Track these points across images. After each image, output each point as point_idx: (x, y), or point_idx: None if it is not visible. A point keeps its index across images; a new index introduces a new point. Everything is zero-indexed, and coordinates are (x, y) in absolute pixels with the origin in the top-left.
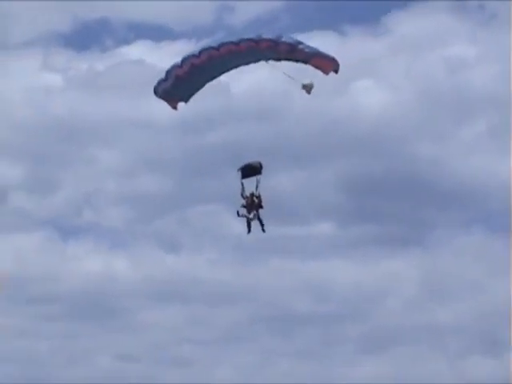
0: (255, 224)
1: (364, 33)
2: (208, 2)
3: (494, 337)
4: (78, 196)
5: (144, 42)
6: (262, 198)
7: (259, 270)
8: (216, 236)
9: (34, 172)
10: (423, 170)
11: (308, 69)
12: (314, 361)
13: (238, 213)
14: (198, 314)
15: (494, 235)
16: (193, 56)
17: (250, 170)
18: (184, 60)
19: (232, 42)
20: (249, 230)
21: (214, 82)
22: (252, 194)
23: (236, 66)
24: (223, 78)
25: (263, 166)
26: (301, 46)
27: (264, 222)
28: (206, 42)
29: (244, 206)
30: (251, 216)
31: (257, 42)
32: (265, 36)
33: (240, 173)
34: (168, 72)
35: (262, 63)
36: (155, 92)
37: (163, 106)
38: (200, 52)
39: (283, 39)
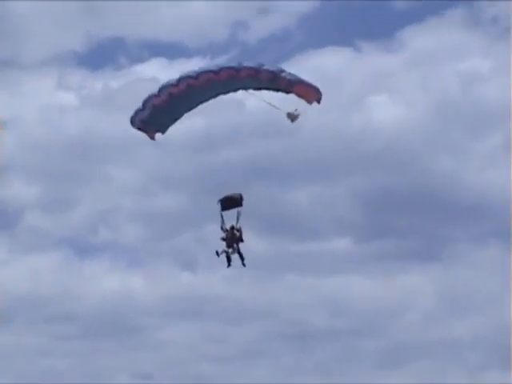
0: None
1: (378, 48)
2: (222, 19)
3: None
4: (94, 214)
5: (158, 59)
6: (242, 231)
7: (276, 287)
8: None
9: (49, 191)
10: (439, 185)
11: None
12: (331, 376)
13: (216, 253)
14: (215, 331)
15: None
16: (171, 85)
17: (231, 202)
18: (161, 89)
19: (211, 71)
20: (228, 264)
21: (229, 98)
22: (232, 228)
23: (215, 96)
24: (238, 95)
25: (243, 197)
26: (283, 74)
27: (244, 256)
28: (220, 59)
29: (224, 239)
30: (230, 250)
31: (237, 70)
32: (246, 64)
33: (219, 205)
34: (145, 101)
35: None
36: (132, 122)
37: (179, 123)
38: (178, 81)
39: (265, 67)
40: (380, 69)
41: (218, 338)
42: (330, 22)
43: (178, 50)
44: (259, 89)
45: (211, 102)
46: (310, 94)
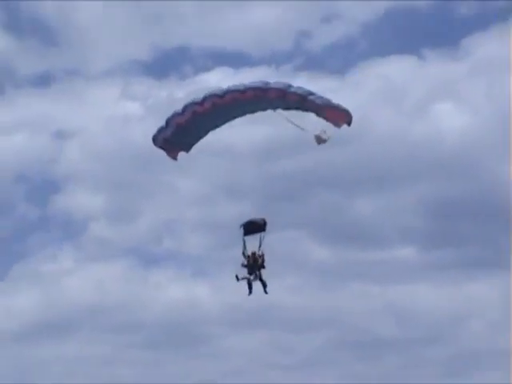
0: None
1: (443, 56)
2: (286, 27)
3: None
4: (159, 224)
5: (223, 68)
6: (264, 257)
7: (340, 295)
8: (297, 262)
9: (114, 201)
10: (504, 193)
11: None
12: None
13: (236, 277)
14: (281, 339)
15: None
16: (195, 103)
17: (254, 227)
18: (186, 107)
19: (238, 90)
20: (250, 292)
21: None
22: (254, 253)
23: (241, 115)
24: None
25: (267, 222)
26: (311, 97)
27: (267, 283)
28: (285, 68)
29: (245, 266)
30: (252, 277)
31: (264, 90)
32: (273, 85)
33: (242, 229)
34: (168, 120)
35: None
36: (154, 141)
37: (241, 132)
38: (203, 99)
39: (292, 89)
40: (445, 77)
41: (282, 346)
42: (394, 30)
43: (243, 59)
44: (287, 109)
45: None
46: (339, 117)
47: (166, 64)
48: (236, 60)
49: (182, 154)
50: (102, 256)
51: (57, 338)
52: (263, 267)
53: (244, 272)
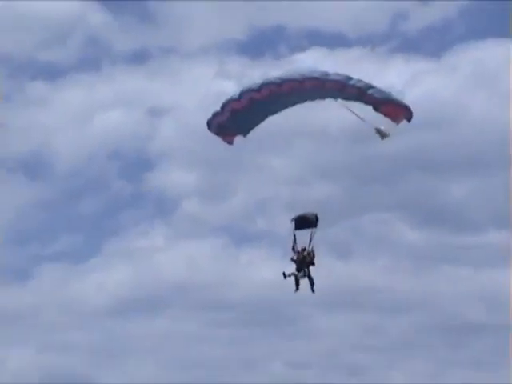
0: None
1: None
2: (383, 8)
3: None
4: (251, 203)
5: (318, 49)
6: (314, 253)
7: (432, 278)
8: (388, 244)
9: (207, 179)
10: None
11: None
12: (487, 371)
13: (283, 274)
14: (371, 321)
15: None
16: (252, 90)
17: (305, 222)
18: (242, 93)
19: (296, 79)
20: (297, 288)
21: (387, 88)
22: (303, 250)
23: (300, 103)
24: (397, 86)
25: (319, 218)
26: (370, 91)
27: (314, 281)
28: (381, 50)
29: (294, 261)
30: (301, 274)
31: (323, 81)
32: (332, 76)
33: (293, 223)
34: (224, 105)
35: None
36: (208, 125)
37: (335, 114)
38: (260, 86)
39: (351, 82)
40: None
41: (373, 328)
42: (491, 13)
43: (338, 39)
44: (347, 99)
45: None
46: (398, 113)
47: (262, 43)
48: (331, 40)
49: (274, 133)
50: (193, 234)
51: (147, 314)
52: (313, 264)
53: (292, 267)
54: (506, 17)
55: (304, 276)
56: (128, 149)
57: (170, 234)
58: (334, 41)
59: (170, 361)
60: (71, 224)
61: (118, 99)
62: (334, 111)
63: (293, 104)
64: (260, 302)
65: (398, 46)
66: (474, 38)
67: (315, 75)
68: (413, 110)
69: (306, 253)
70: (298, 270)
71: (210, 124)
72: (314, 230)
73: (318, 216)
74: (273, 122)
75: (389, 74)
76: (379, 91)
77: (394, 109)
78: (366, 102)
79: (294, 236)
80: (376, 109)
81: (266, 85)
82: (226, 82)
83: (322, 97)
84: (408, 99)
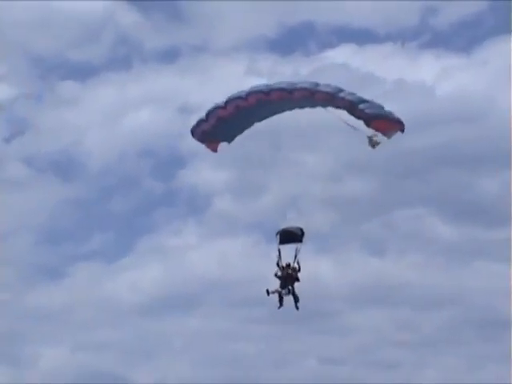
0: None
1: None
2: (413, 4)
3: None
4: (283, 200)
5: (348, 45)
6: (300, 269)
7: (465, 273)
8: (421, 239)
9: (239, 176)
10: None
11: None
12: None
13: (267, 291)
14: (404, 317)
15: None
16: (239, 98)
17: (290, 236)
18: (229, 101)
19: (284, 89)
20: (280, 305)
21: (418, 84)
22: (288, 265)
23: (287, 110)
24: (428, 81)
25: (304, 233)
26: (361, 106)
27: (299, 298)
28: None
29: (278, 277)
30: (285, 291)
31: (312, 93)
32: (322, 88)
33: (278, 238)
34: (209, 112)
35: None
36: (192, 133)
37: None
38: (247, 94)
39: (342, 94)
40: None
41: (407, 323)
42: None
43: (369, 35)
44: (338, 108)
45: (404, 87)
46: (389, 128)
47: (291, 40)
48: (361, 36)
49: (305, 129)
50: (225, 231)
51: (180, 312)
52: (297, 280)
53: (276, 285)
54: None
55: (288, 293)
56: (159, 147)
57: (203, 231)
58: (363, 37)
59: (204, 358)
60: (104, 223)
61: (149, 97)
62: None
63: (281, 111)
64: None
65: (429, 41)
66: (504, 32)
67: (305, 86)
68: (444, 104)
69: (290, 270)
70: (282, 287)
71: (193, 132)
72: (299, 245)
73: (304, 231)
74: (305, 118)
75: (419, 70)
76: (370, 106)
77: (385, 124)
78: (357, 117)
79: (279, 251)
80: (367, 124)
81: (253, 93)
82: (256, 79)
83: (312, 105)
84: (438, 94)
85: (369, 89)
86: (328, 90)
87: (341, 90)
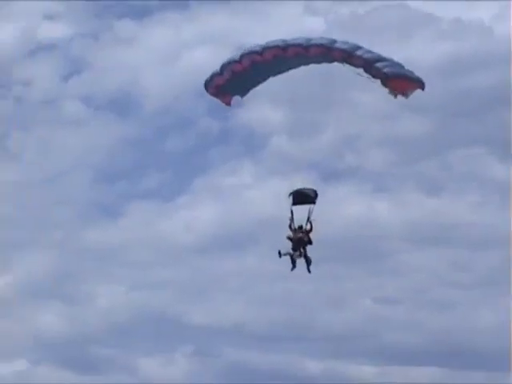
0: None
1: None
2: None
3: None
4: (340, 139)
5: None
6: (312, 229)
7: None
8: (478, 179)
9: (296, 115)
10: None
11: None
12: None
13: (279, 253)
14: (459, 257)
15: None
16: (255, 52)
17: (303, 198)
18: (244, 55)
19: (301, 45)
20: (293, 266)
21: (476, 24)
22: (300, 228)
23: (303, 65)
24: (486, 21)
25: (318, 194)
26: (377, 65)
27: (311, 260)
28: None
29: (290, 239)
30: (297, 254)
31: (328, 49)
32: (338, 45)
33: (291, 199)
34: (224, 66)
35: None
36: (205, 86)
37: (425, 48)
38: (263, 49)
39: (359, 52)
40: None
41: (462, 264)
42: None
43: None
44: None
45: (461, 27)
46: (407, 88)
47: None
48: None
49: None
50: (282, 171)
51: (235, 252)
52: (310, 243)
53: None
54: None
55: (300, 256)
56: None
57: (259, 171)
58: None
59: (259, 298)
60: (160, 162)
61: (206, 38)
62: (425, 44)
63: (296, 67)
64: (349, 238)
65: None
66: None
67: (321, 42)
68: (501, 44)
69: (301, 233)
70: (294, 249)
71: (207, 85)
72: (312, 206)
73: (318, 192)
74: None
75: (477, 9)
76: (388, 65)
77: (402, 84)
78: (373, 76)
79: (292, 213)
80: (384, 84)
81: (269, 48)
82: (313, 18)
83: (328, 62)
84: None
85: (426, 28)
86: (345, 47)
87: (358, 48)
